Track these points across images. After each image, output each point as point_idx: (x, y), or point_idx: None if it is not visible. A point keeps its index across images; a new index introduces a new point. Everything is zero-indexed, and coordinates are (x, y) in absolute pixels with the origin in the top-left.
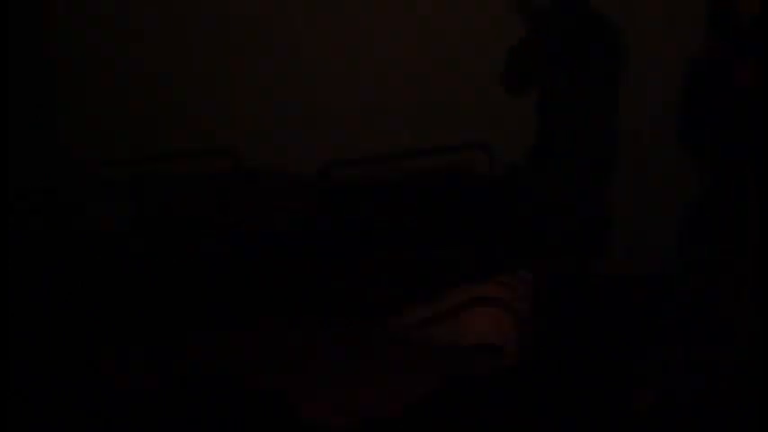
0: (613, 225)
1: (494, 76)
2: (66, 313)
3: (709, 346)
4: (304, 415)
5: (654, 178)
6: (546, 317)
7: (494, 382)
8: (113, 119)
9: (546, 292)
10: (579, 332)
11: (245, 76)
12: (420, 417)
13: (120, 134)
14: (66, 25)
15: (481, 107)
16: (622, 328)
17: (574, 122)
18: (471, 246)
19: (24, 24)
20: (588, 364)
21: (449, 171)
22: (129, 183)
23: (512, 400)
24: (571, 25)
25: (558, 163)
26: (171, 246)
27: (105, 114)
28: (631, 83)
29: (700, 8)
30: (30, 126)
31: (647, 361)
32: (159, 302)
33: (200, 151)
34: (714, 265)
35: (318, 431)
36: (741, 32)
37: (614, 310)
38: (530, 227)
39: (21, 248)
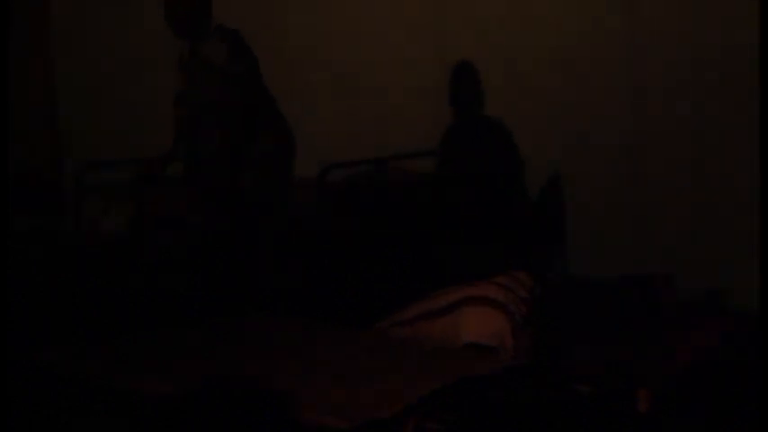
0: None
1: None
2: (64, 313)
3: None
4: (304, 416)
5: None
6: (544, 317)
7: (492, 382)
8: (114, 119)
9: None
10: (577, 332)
11: None
12: (419, 417)
13: (121, 134)
14: (67, 25)
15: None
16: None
17: None
18: (469, 246)
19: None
20: (587, 364)
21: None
22: (129, 183)
23: (511, 399)
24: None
25: None
26: (169, 246)
27: (105, 114)
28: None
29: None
30: (30, 125)
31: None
32: (157, 302)
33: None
34: None
35: None
36: None
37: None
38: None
39: (20, 248)
